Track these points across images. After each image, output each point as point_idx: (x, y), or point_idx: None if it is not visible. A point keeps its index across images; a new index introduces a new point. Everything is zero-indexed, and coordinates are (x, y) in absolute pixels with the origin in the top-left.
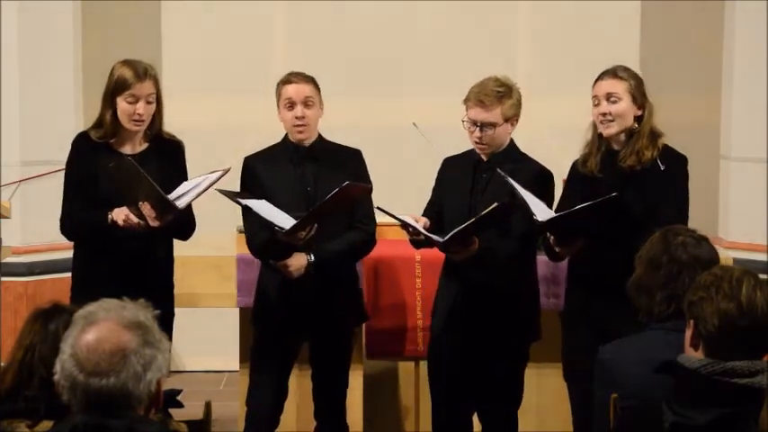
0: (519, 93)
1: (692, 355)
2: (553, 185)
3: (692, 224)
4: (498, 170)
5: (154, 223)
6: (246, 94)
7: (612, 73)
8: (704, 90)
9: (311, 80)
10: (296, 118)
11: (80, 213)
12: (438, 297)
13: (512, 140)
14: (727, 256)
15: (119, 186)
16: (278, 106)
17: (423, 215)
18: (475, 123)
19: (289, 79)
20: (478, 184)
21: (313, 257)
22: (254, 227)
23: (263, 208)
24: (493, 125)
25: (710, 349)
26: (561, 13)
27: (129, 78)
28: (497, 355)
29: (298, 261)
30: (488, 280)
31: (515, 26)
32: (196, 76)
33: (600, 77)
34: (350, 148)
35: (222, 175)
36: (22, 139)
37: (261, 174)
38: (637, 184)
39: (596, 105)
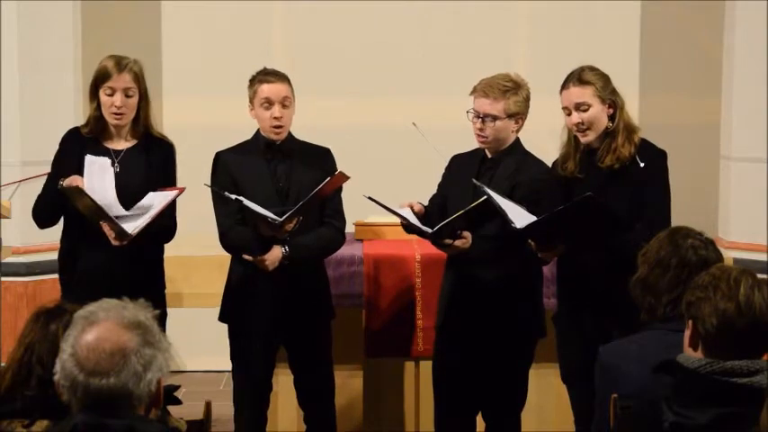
0: (527, 92)
1: (692, 355)
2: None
3: (691, 224)
4: (474, 180)
5: (115, 243)
6: (246, 94)
7: (577, 78)
8: (704, 90)
9: (287, 79)
10: (274, 118)
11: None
12: (441, 295)
13: (517, 139)
14: (727, 256)
15: (78, 208)
16: (251, 103)
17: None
18: (477, 115)
19: (266, 78)
20: (481, 181)
21: (287, 250)
22: (228, 221)
23: (250, 203)
24: (494, 118)
25: (709, 349)
26: (561, 14)
27: (110, 69)
28: (501, 354)
29: (274, 255)
30: (490, 277)
31: (515, 26)
32: (196, 76)
33: (565, 85)
34: (320, 146)
35: (178, 195)
36: (22, 139)
37: (233, 168)
38: (618, 182)
39: (568, 115)
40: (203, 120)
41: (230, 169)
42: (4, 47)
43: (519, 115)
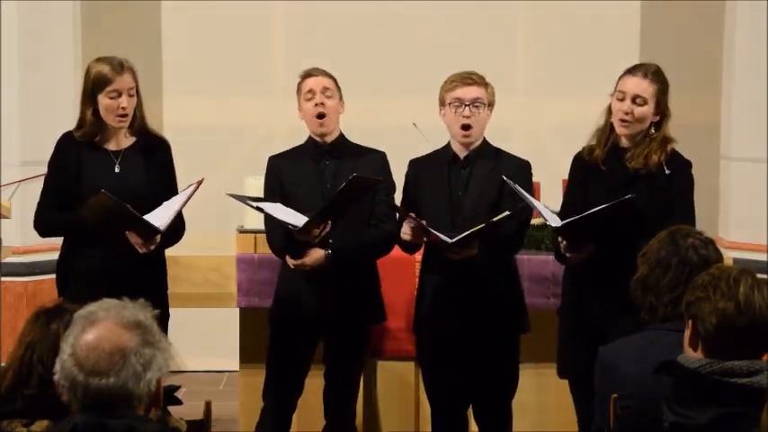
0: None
1: (692, 355)
2: (532, 176)
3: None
4: (506, 179)
5: (142, 250)
6: (246, 94)
7: (644, 72)
8: (704, 90)
9: (331, 75)
10: (316, 105)
11: (53, 211)
12: (421, 296)
13: (483, 137)
14: (727, 256)
15: (100, 220)
16: (299, 104)
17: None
18: (463, 103)
19: (309, 73)
20: (456, 183)
21: (330, 252)
22: (273, 223)
23: (275, 209)
24: (482, 103)
25: (709, 349)
26: (561, 14)
27: (108, 73)
28: (486, 348)
29: (313, 257)
30: (474, 277)
31: (515, 26)
32: (196, 76)
33: (631, 71)
34: (373, 149)
35: (197, 188)
36: (21, 139)
37: (283, 171)
38: (641, 185)
39: (620, 100)
40: (203, 120)
41: (279, 173)
42: (4, 47)
43: (491, 107)
